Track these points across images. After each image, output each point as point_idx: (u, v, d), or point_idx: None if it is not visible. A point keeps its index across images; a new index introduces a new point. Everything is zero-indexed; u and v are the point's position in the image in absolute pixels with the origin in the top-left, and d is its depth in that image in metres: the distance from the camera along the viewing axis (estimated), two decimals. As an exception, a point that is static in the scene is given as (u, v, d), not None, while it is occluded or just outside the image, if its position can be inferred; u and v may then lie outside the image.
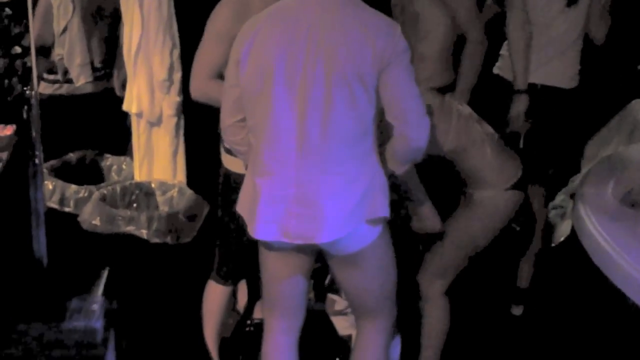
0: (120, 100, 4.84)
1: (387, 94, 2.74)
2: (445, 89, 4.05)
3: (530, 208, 4.38)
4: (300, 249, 2.95)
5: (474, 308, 4.02)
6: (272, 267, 3.06)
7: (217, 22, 3.23)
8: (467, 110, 3.56)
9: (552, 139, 4.22)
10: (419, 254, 3.78)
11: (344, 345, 3.88)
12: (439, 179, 3.64)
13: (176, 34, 4.59)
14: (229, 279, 3.64)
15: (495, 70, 4.35)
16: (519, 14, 4.05)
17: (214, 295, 3.69)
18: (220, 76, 3.19)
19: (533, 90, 4.11)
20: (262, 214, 2.83)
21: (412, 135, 2.80)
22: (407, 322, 3.72)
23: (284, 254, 2.99)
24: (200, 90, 3.25)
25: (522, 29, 4.05)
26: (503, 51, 4.34)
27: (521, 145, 4.21)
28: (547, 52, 4.10)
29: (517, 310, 4.48)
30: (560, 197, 4.97)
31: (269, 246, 2.98)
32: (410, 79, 2.76)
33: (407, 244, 3.72)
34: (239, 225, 3.32)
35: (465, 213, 3.58)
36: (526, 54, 4.06)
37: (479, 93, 4.33)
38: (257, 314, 4.08)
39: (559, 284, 4.65)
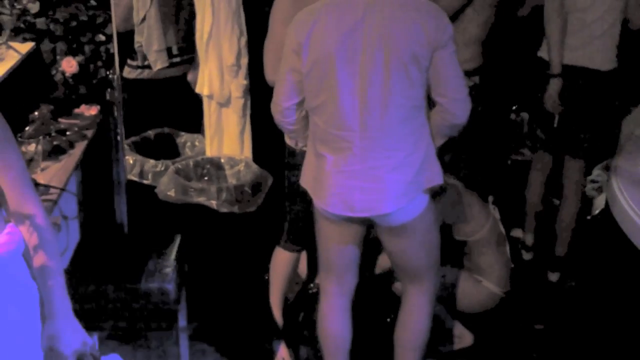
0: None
1: (436, 74, 2.75)
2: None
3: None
4: (354, 219, 2.96)
5: (513, 274, 3.97)
6: (328, 235, 3.08)
7: (279, 12, 3.25)
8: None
9: (589, 117, 4.15)
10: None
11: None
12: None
13: (243, 23, 4.60)
14: (293, 245, 3.66)
15: (539, 53, 4.28)
16: (554, 1, 3.98)
17: (281, 260, 3.72)
18: None
19: (571, 72, 4.04)
20: (330, 188, 2.88)
21: (457, 112, 2.79)
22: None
23: (340, 224, 3.01)
24: (273, 73, 3.27)
25: (557, 16, 3.97)
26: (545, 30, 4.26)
27: (555, 125, 4.15)
28: (584, 36, 4.01)
29: (553, 277, 4.42)
30: (596, 172, 4.90)
31: (327, 217, 2.99)
32: (456, 60, 2.76)
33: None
34: (303, 196, 3.35)
35: None
36: (560, 39, 3.99)
37: (523, 75, 4.29)
38: (318, 280, 4.10)
39: (593, 253, 4.57)
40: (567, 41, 4.01)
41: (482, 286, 3.76)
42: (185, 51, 4.99)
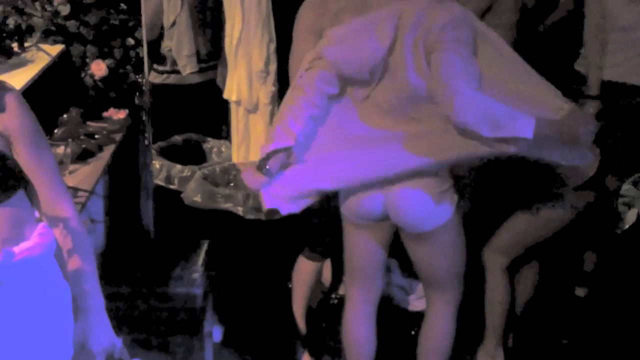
0: (221, 89, 4.90)
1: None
2: None
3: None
4: (381, 225, 2.99)
5: (539, 288, 3.95)
6: (355, 241, 3.10)
7: (301, 23, 3.28)
8: None
9: (625, 134, 4.12)
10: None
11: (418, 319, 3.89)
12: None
13: (273, 30, 4.59)
14: (317, 255, 3.67)
15: (577, 67, 4.26)
16: (595, 21, 3.94)
17: (303, 270, 3.75)
18: None
19: (610, 88, 4.01)
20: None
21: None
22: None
23: (367, 230, 3.05)
24: None
25: (598, 37, 3.95)
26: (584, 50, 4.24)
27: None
28: (627, 53, 3.99)
29: (581, 292, 4.39)
30: (626, 187, 4.85)
31: (355, 222, 3.02)
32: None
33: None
34: (329, 205, 3.36)
35: (543, 211, 3.52)
36: (600, 60, 3.96)
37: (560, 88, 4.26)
38: (341, 290, 4.10)
39: (622, 269, 4.53)
40: (608, 59, 3.97)
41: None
42: (213, 56, 5.02)
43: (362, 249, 3.12)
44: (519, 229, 3.56)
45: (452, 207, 2.94)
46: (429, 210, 2.91)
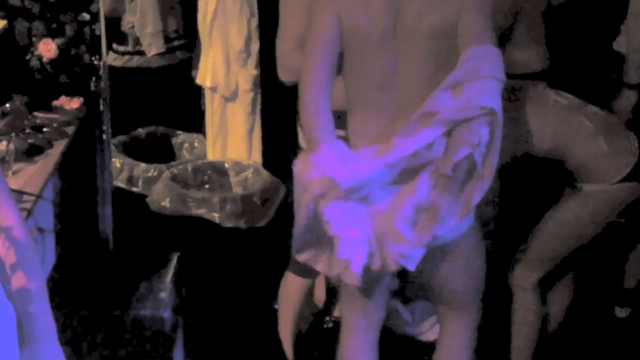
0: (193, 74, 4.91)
1: None
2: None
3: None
4: None
5: (574, 308, 3.96)
6: None
7: None
8: (566, 99, 3.50)
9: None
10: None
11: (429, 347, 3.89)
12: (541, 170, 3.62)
13: (254, 2, 4.64)
14: (307, 270, 3.65)
15: (616, 46, 4.23)
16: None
17: (291, 287, 3.75)
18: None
19: None
20: None
21: None
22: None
23: None
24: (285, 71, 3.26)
25: None
26: (625, 26, 4.22)
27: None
28: None
29: (622, 313, 4.40)
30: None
31: None
32: None
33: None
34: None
35: (571, 205, 3.53)
36: None
37: (595, 69, 4.25)
38: (336, 312, 4.10)
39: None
40: None
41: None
42: (182, 34, 5.01)
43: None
44: (550, 235, 3.57)
45: (470, 213, 2.92)
46: (449, 222, 2.84)
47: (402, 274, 3.83)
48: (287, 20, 3.26)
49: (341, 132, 2.92)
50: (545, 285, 3.75)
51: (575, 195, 3.52)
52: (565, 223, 3.55)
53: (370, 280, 3.00)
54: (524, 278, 3.67)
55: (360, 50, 2.82)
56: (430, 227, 2.77)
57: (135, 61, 4.95)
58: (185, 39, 5.00)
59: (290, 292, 3.75)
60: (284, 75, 3.28)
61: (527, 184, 3.79)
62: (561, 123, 3.41)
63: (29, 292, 2.01)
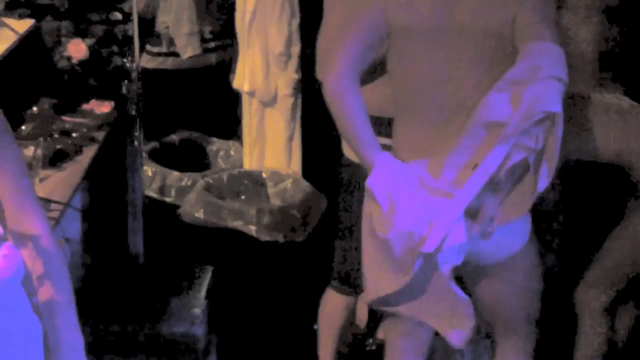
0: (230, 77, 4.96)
1: None
2: None
3: None
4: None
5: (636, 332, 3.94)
6: None
7: None
8: (625, 102, 3.50)
9: None
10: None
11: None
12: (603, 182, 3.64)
13: (296, 2, 4.66)
14: (349, 288, 3.68)
15: None
16: None
17: (332, 306, 3.76)
18: None
19: None
20: None
21: None
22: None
23: None
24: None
25: None
26: None
27: None
28: None
29: None
30: None
31: None
32: None
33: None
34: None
35: (637, 219, 3.54)
36: None
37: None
38: (380, 334, 4.13)
39: None
40: None
41: None
42: (220, 35, 5.06)
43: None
44: (619, 253, 3.56)
45: (528, 228, 2.95)
46: (503, 234, 2.88)
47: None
48: (332, 16, 3.31)
49: (384, 141, 2.98)
50: (611, 307, 3.71)
51: (638, 208, 3.52)
52: (632, 238, 3.54)
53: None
54: (592, 299, 3.64)
55: (408, 49, 2.86)
56: (475, 228, 2.81)
57: (170, 63, 4.99)
58: (222, 40, 5.03)
59: (331, 311, 3.76)
60: (323, 74, 3.33)
61: (591, 196, 3.79)
62: (624, 125, 3.41)
63: (57, 304, 2.04)
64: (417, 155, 2.86)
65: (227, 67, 5.17)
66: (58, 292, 2.05)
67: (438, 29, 2.82)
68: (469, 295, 3.04)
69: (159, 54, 4.94)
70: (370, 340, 4.21)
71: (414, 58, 2.86)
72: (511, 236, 2.90)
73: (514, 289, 3.03)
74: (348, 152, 3.47)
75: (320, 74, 3.32)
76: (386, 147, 3.02)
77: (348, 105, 2.86)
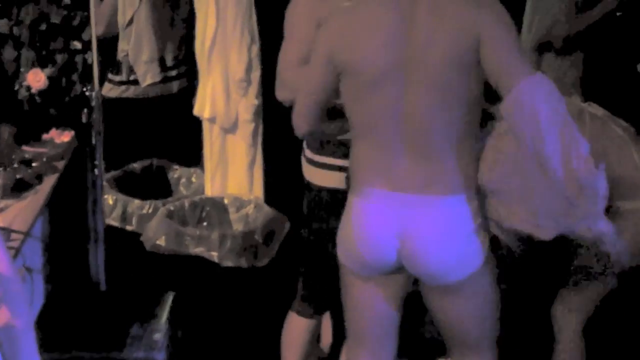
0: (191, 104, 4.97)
1: None
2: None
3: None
4: (393, 277, 3.03)
5: (612, 349, 3.97)
6: (360, 298, 3.11)
7: (297, 11, 3.35)
8: (599, 110, 3.55)
9: None
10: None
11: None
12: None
13: (255, 28, 4.67)
14: (313, 310, 3.70)
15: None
16: None
17: (296, 329, 3.75)
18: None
19: None
20: None
21: None
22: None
23: (375, 283, 3.05)
24: (284, 90, 3.36)
25: None
26: None
27: None
28: None
29: None
30: None
31: (359, 274, 3.04)
32: None
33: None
34: (325, 247, 3.42)
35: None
36: None
37: (620, 93, 4.33)
38: (344, 356, 4.13)
39: None
40: None
41: None
42: (180, 63, 5.08)
43: (370, 307, 3.11)
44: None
45: (484, 249, 2.97)
46: (458, 255, 2.92)
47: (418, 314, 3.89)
48: (291, 39, 3.36)
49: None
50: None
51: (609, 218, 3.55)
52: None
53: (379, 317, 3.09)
54: (565, 322, 3.68)
55: (361, 86, 2.86)
56: None
57: (132, 91, 4.99)
58: (183, 67, 5.05)
59: (294, 335, 3.75)
60: (282, 93, 3.35)
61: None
62: (597, 133, 3.42)
63: (14, 329, 2.05)
64: (375, 176, 2.91)
65: (189, 94, 5.17)
66: (16, 317, 2.06)
67: (394, 64, 2.82)
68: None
69: (120, 83, 4.95)
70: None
71: (368, 93, 2.87)
72: (472, 254, 2.94)
73: (474, 305, 3.04)
74: (309, 175, 3.51)
75: (280, 93, 3.36)
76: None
77: None
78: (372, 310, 3.12)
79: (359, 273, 3.05)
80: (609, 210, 3.49)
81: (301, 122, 3.10)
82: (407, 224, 2.89)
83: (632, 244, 3.46)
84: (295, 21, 3.37)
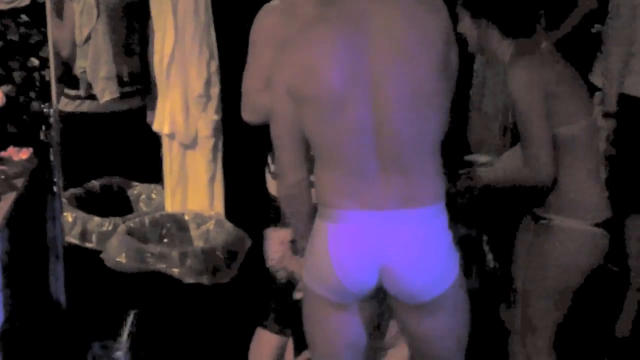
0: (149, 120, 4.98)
1: None
2: None
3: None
4: (368, 301, 2.99)
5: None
6: (332, 324, 3.05)
7: (263, 30, 3.38)
8: None
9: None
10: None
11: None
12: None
13: (214, 44, 4.69)
14: (279, 326, 3.72)
15: (591, 78, 4.45)
16: (623, 26, 4.16)
17: (265, 346, 3.80)
18: None
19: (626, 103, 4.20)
20: None
21: None
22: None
23: (349, 311, 3.01)
24: (253, 112, 3.38)
25: (625, 44, 4.16)
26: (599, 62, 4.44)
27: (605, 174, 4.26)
28: None
29: None
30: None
31: (333, 301, 2.98)
32: None
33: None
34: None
35: (541, 246, 3.59)
36: (622, 74, 4.17)
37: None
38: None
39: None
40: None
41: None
42: (138, 78, 5.09)
43: (342, 335, 3.06)
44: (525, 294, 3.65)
45: (457, 264, 2.97)
46: (440, 269, 2.92)
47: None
48: (256, 58, 3.38)
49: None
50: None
51: (541, 233, 3.59)
52: (537, 266, 3.60)
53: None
54: (524, 347, 3.73)
55: (326, 110, 2.81)
56: None
57: (87, 106, 5.00)
58: (141, 83, 5.06)
59: (262, 351, 3.80)
60: (249, 115, 3.39)
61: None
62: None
63: None
64: (346, 198, 2.87)
65: (145, 110, 5.22)
66: None
67: (353, 85, 2.79)
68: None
69: (77, 97, 4.96)
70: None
71: (332, 116, 2.82)
72: (447, 269, 2.94)
73: (448, 321, 3.03)
74: (272, 189, 3.52)
75: (246, 114, 3.41)
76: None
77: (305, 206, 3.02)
78: (345, 338, 3.07)
79: (333, 301, 2.98)
80: (539, 221, 3.58)
81: (292, 173, 2.99)
82: (387, 242, 2.86)
83: (553, 260, 3.54)
84: (258, 40, 3.40)
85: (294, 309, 3.57)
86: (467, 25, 3.59)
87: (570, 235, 3.51)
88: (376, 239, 2.85)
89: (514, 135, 3.95)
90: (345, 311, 3.00)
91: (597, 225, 3.50)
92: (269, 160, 3.55)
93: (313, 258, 2.97)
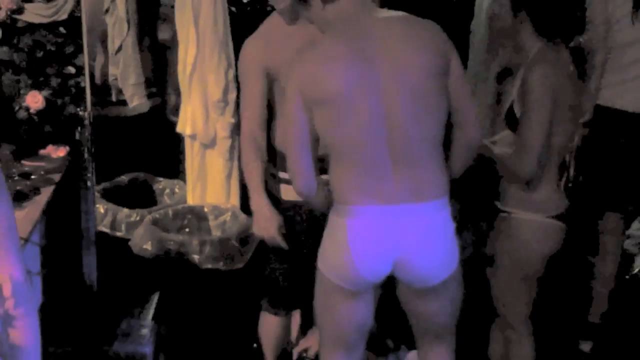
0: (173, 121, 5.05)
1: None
2: None
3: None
4: (375, 286, 3.07)
5: (540, 342, 4.05)
6: (345, 311, 3.10)
7: (247, 59, 3.47)
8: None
9: (630, 165, 4.33)
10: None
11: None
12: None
13: (232, 54, 4.75)
14: (277, 309, 3.80)
15: None
16: (599, 32, 4.17)
17: (269, 326, 3.85)
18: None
19: (599, 113, 4.26)
20: None
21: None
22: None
23: (360, 297, 3.06)
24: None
25: (602, 51, 4.20)
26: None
27: (572, 174, 4.32)
28: (628, 74, 4.23)
29: (585, 347, 4.51)
30: (636, 225, 5.01)
31: (347, 289, 3.03)
32: None
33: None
34: (282, 252, 3.53)
35: (504, 236, 3.61)
36: (599, 80, 4.20)
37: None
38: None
39: (633, 319, 4.67)
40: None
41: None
42: (160, 80, 5.17)
43: (352, 318, 3.10)
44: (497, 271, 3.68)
45: (458, 249, 3.05)
46: (449, 256, 2.99)
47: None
48: (246, 92, 3.49)
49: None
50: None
51: (503, 226, 3.60)
52: (503, 253, 3.61)
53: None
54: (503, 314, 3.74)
55: (339, 112, 2.84)
56: None
57: (117, 110, 5.09)
58: (155, 86, 5.15)
59: (267, 331, 3.85)
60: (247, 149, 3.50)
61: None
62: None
63: (26, 350, 2.06)
64: (362, 194, 2.89)
65: (162, 109, 5.30)
66: (27, 336, 2.09)
67: (366, 87, 2.82)
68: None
69: (109, 103, 5.02)
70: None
71: (346, 117, 2.84)
72: (453, 255, 3.02)
73: (450, 300, 3.11)
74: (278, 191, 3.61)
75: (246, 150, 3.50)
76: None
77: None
78: (353, 320, 3.13)
79: (347, 289, 3.02)
80: (500, 214, 3.60)
81: (303, 182, 3.03)
82: (402, 234, 2.89)
83: (513, 251, 3.55)
84: (245, 72, 3.48)
85: (284, 293, 3.66)
86: (504, 9, 3.56)
87: (528, 226, 3.51)
88: (392, 231, 2.89)
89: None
90: (356, 298, 3.05)
91: (552, 217, 3.51)
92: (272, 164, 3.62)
93: (333, 252, 2.99)
